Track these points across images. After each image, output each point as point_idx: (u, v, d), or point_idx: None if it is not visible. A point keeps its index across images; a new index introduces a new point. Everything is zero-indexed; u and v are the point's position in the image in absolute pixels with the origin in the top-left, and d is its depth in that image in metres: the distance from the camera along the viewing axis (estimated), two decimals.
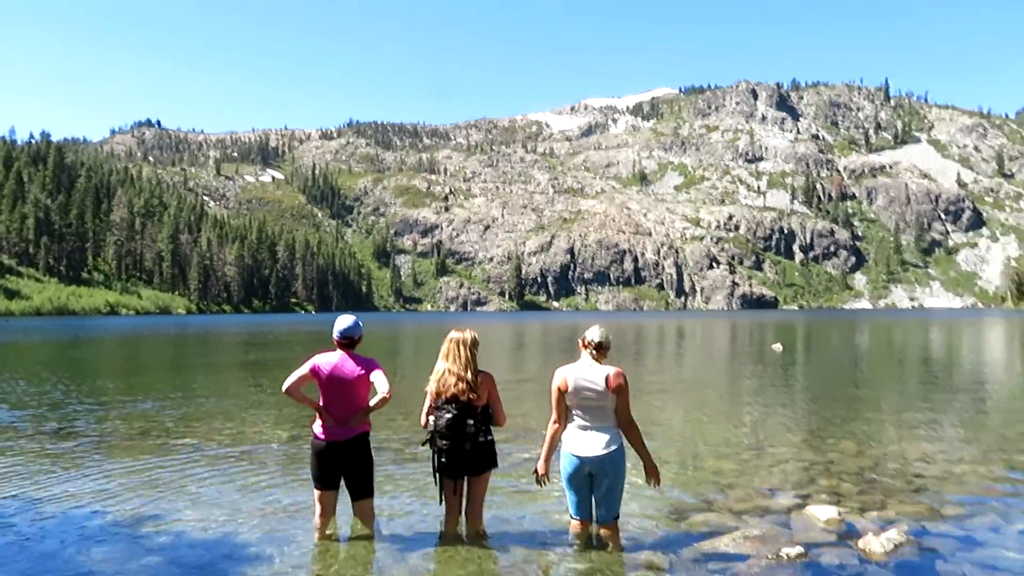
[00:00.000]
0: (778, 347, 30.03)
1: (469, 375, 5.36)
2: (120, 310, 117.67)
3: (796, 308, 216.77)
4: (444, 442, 5.28)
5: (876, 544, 5.29)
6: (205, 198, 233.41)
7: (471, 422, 5.28)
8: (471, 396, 5.32)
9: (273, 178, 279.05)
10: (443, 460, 5.34)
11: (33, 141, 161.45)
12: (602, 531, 5.31)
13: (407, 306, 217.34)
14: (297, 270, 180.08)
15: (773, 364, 22.83)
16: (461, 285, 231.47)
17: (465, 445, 5.28)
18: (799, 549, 5.15)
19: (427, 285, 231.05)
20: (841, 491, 7.01)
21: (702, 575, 4.75)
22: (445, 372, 5.40)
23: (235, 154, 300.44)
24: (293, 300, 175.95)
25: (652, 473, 5.36)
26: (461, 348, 5.46)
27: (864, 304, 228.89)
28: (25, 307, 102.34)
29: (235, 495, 6.82)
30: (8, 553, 5.27)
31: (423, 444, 5.49)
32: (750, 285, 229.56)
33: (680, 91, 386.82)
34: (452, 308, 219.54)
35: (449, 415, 5.27)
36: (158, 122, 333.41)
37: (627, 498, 5.67)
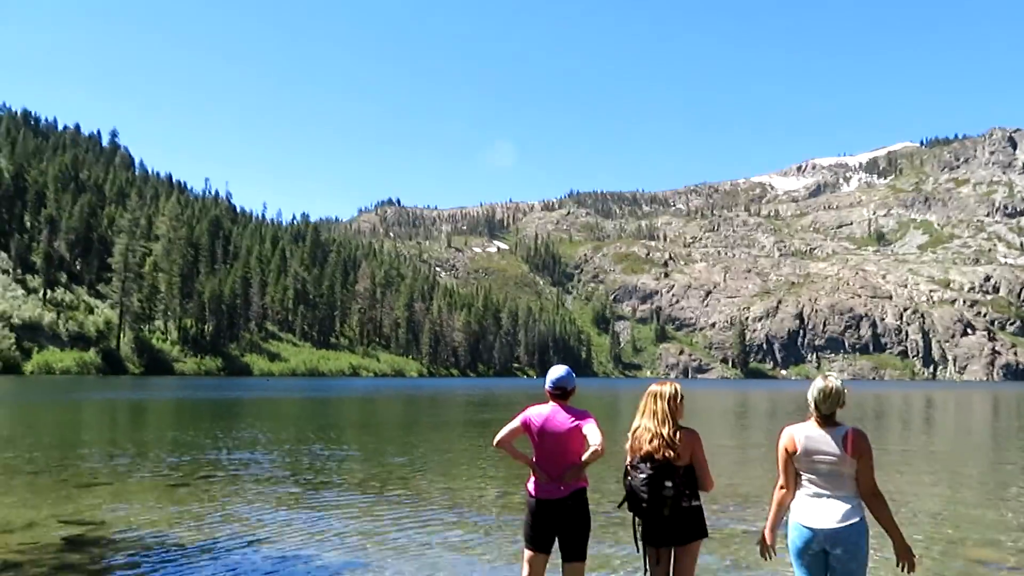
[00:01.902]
0: None
1: (666, 431, 4.85)
2: (361, 372, 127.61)
3: None
4: (640, 505, 4.82)
5: None
6: (437, 269, 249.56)
7: (669, 484, 4.75)
8: (668, 454, 4.80)
9: (498, 248, 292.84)
10: (642, 526, 4.88)
11: (295, 222, 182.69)
12: None
13: (626, 372, 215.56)
14: (519, 336, 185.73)
15: None
16: (681, 352, 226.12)
17: (663, 510, 4.77)
18: None
19: (646, 351, 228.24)
20: None
21: None
22: (641, 428, 4.97)
23: (464, 227, 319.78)
24: (515, 365, 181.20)
25: (904, 555, 4.51)
26: (659, 401, 4.98)
27: None
28: (283, 368, 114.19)
29: (438, 553, 6.75)
30: None
31: (619, 505, 5.07)
32: (1015, 353, 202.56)
33: (921, 144, 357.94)
34: (672, 375, 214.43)
35: (643, 475, 4.80)
36: (398, 200, 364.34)
37: None
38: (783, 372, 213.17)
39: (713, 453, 14.88)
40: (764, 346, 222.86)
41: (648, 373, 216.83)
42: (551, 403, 5.29)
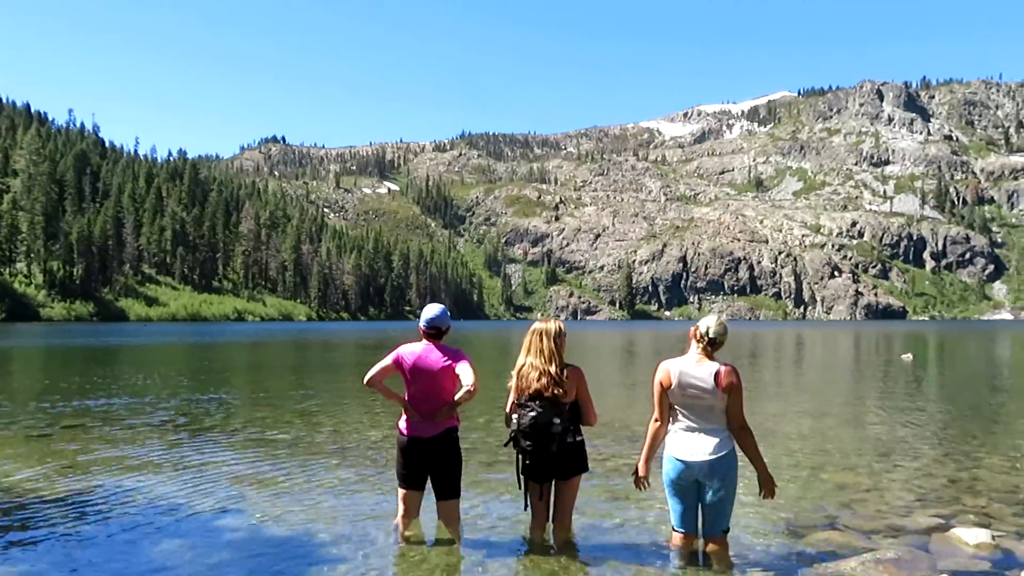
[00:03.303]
0: (908, 357, 27.92)
1: (553, 368, 4.83)
2: (246, 316, 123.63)
3: (927, 319, 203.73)
4: (527, 443, 4.78)
5: None
6: (325, 210, 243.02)
7: (557, 420, 4.75)
8: (556, 392, 4.79)
9: (389, 190, 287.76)
10: (527, 462, 4.86)
11: (171, 159, 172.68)
12: (708, 546, 4.70)
13: (517, 315, 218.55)
14: (411, 279, 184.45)
15: (903, 374, 21.13)
16: (571, 294, 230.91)
17: (551, 446, 4.76)
18: None
19: (537, 294, 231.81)
20: (991, 512, 6.06)
21: None
22: (527, 366, 4.91)
23: (353, 167, 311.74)
24: (407, 308, 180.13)
25: (767, 484, 4.72)
26: (544, 340, 4.93)
27: (1005, 315, 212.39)
28: (162, 313, 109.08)
29: (319, 493, 6.59)
30: (83, 544, 5.19)
31: (505, 445, 5.03)
32: (875, 295, 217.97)
33: (799, 94, 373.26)
34: (562, 316, 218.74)
35: (532, 413, 4.77)
36: (283, 138, 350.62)
37: (738, 510, 5.04)
38: (667, 313, 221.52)
39: (603, 391, 15.27)
40: (650, 288, 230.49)
41: (539, 315, 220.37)
42: (424, 342, 5.15)
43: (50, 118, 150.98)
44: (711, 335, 4.63)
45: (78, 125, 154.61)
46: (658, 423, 4.79)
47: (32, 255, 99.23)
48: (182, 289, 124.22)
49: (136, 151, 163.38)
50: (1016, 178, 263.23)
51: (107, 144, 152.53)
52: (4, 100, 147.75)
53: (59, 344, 37.73)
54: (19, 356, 29.15)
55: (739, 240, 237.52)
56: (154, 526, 5.53)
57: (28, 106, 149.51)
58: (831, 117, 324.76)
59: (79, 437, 9.51)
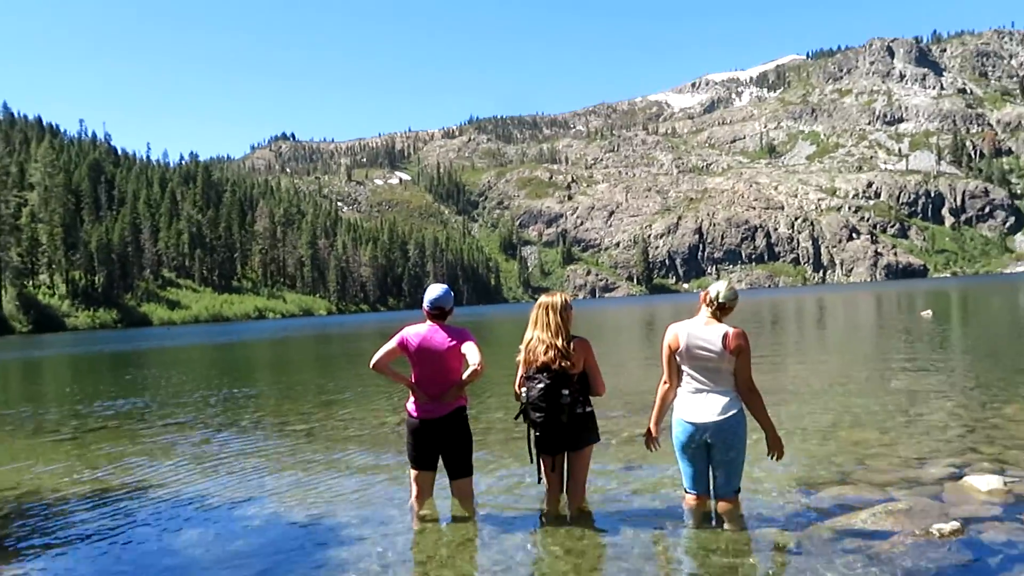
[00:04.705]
0: (928, 313, 27.70)
1: (560, 342, 4.90)
2: (267, 314, 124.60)
3: (949, 275, 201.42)
4: (538, 415, 4.85)
5: None
6: (339, 204, 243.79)
7: (566, 392, 4.81)
8: (564, 364, 4.85)
9: (401, 180, 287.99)
10: (538, 434, 4.93)
11: (184, 162, 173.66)
12: (720, 506, 4.75)
13: (535, 296, 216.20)
14: (428, 267, 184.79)
15: (923, 330, 20.98)
16: (588, 272, 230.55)
17: (561, 417, 4.82)
18: (955, 524, 4.38)
19: (554, 274, 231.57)
20: (1006, 459, 6.06)
21: (836, 555, 4.10)
22: (534, 340, 4.98)
23: (364, 159, 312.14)
24: None
25: (775, 445, 4.77)
26: (550, 313, 5.00)
27: None
28: (185, 315, 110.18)
29: (338, 479, 6.70)
30: (95, 535, 5.32)
31: (516, 418, 5.10)
32: (895, 254, 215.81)
33: (807, 56, 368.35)
34: (580, 295, 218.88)
35: (541, 385, 4.83)
36: (292, 135, 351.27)
37: (750, 470, 5.08)
38: (685, 286, 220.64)
39: (622, 366, 15.31)
40: (667, 262, 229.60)
41: (570, 298, 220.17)
42: (429, 323, 5.19)
43: (62, 129, 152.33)
44: (720, 299, 4.70)
45: (90, 135, 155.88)
46: (667, 385, 4.86)
47: (54, 266, 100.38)
48: (202, 291, 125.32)
49: (148, 157, 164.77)
50: None
51: (119, 152, 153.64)
52: (16, 115, 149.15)
53: (84, 351, 38.28)
54: (48, 364, 29.65)
55: (754, 208, 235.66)
56: (181, 517, 5.66)
57: (40, 119, 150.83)
58: (841, 78, 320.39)
59: (105, 438, 9.70)
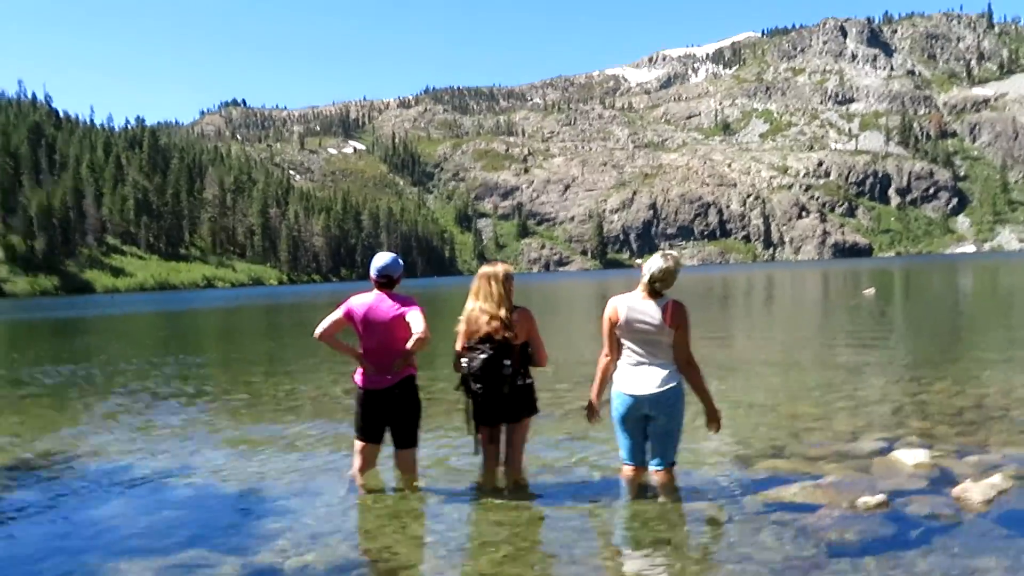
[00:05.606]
0: (870, 291, 28.44)
1: (502, 312, 4.86)
2: (216, 283, 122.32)
3: (893, 255, 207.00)
4: (479, 386, 4.83)
5: (976, 491, 4.52)
6: (291, 172, 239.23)
7: (507, 363, 4.79)
8: (506, 335, 4.83)
9: (355, 149, 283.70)
10: (478, 405, 4.91)
11: (129, 126, 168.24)
12: (656, 478, 4.80)
13: None
14: (382, 238, 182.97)
15: (864, 308, 21.52)
16: (543, 246, 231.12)
17: (503, 388, 4.81)
18: (880, 497, 4.48)
19: (509, 247, 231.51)
20: (935, 433, 6.24)
21: (765, 527, 4.18)
22: (476, 310, 4.93)
23: (317, 128, 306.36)
24: None
25: (712, 418, 4.83)
26: (492, 283, 4.95)
27: (968, 248, 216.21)
28: (130, 283, 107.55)
29: (274, 450, 6.61)
30: (28, 507, 5.17)
31: (456, 389, 5.06)
32: (842, 233, 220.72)
33: (763, 34, 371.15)
34: (535, 269, 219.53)
35: (483, 355, 4.80)
36: (244, 101, 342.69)
37: (685, 443, 5.14)
38: (638, 261, 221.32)
39: (571, 336, 15.38)
40: (621, 237, 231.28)
41: (512, 269, 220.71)
42: (375, 291, 5.10)
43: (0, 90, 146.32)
44: (652, 277, 4.69)
45: (29, 96, 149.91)
46: (607, 358, 4.88)
47: None
48: (149, 258, 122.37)
49: (92, 120, 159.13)
50: (978, 110, 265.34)
51: (61, 115, 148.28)
52: None
53: (24, 318, 37.15)
54: None
55: (708, 185, 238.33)
56: (114, 488, 5.51)
57: None
58: (795, 56, 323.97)
59: (41, 406, 9.42)
